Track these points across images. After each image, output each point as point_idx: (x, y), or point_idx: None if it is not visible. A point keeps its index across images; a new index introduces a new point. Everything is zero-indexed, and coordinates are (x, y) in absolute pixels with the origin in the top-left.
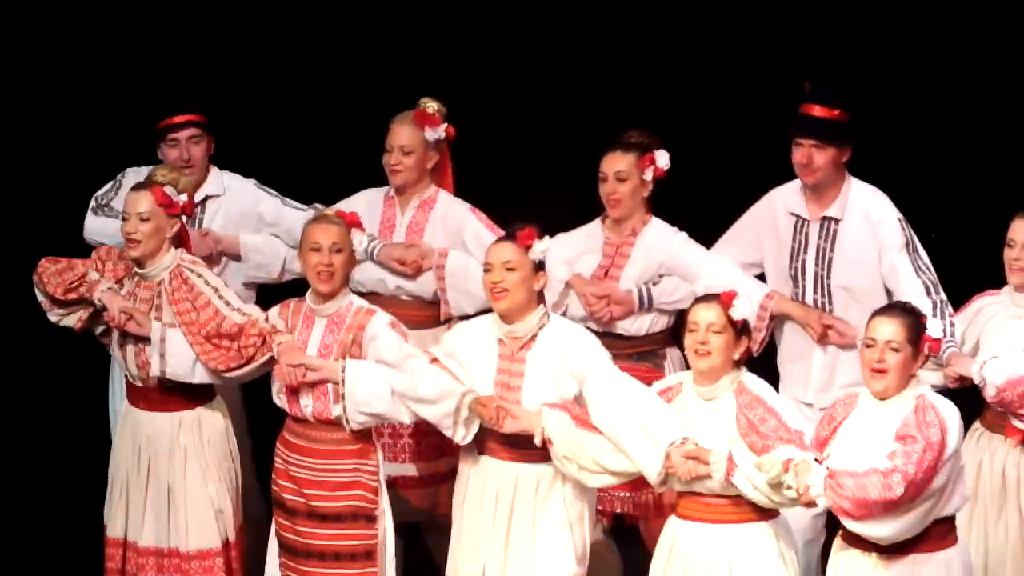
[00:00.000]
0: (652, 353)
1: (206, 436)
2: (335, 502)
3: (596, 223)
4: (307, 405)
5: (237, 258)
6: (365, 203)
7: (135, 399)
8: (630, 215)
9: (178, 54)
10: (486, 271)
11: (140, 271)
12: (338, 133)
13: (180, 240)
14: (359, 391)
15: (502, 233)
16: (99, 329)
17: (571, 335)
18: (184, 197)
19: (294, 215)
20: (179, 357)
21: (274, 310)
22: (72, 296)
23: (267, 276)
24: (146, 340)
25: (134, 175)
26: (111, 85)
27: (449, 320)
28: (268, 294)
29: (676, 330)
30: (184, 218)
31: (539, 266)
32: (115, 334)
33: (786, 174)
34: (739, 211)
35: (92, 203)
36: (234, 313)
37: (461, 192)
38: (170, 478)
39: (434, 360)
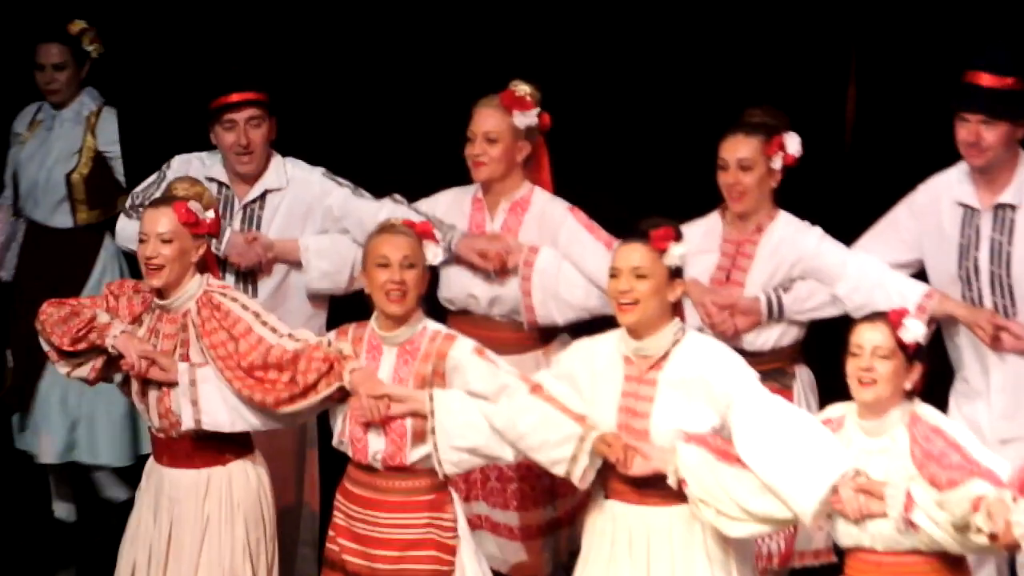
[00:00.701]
0: (779, 371)
1: (236, 499)
2: (405, 563)
3: (714, 217)
4: (377, 448)
5: (297, 265)
6: (448, 204)
7: (159, 453)
8: (756, 209)
9: (235, 21)
10: (612, 277)
11: (161, 303)
12: (415, 120)
13: (206, 265)
14: (452, 423)
15: (606, 237)
16: (117, 378)
17: (711, 353)
18: (211, 214)
19: (367, 207)
20: (215, 401)
21: (329, 338)
22: (81, 346)
23: (333, 287)
24: (174, 385)
25: (182, 166)
26: (154, 57)
27: (548, 338)
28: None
29: (807, 344)
30: (210, 239)
31: (675, 273)
32: (134, 383)
33: (949, 156)
34: (878, 204)
35: (128, 202)
36: (284, 340)
37: (562, 192)
38: (191, 549)
39: (535, 388)
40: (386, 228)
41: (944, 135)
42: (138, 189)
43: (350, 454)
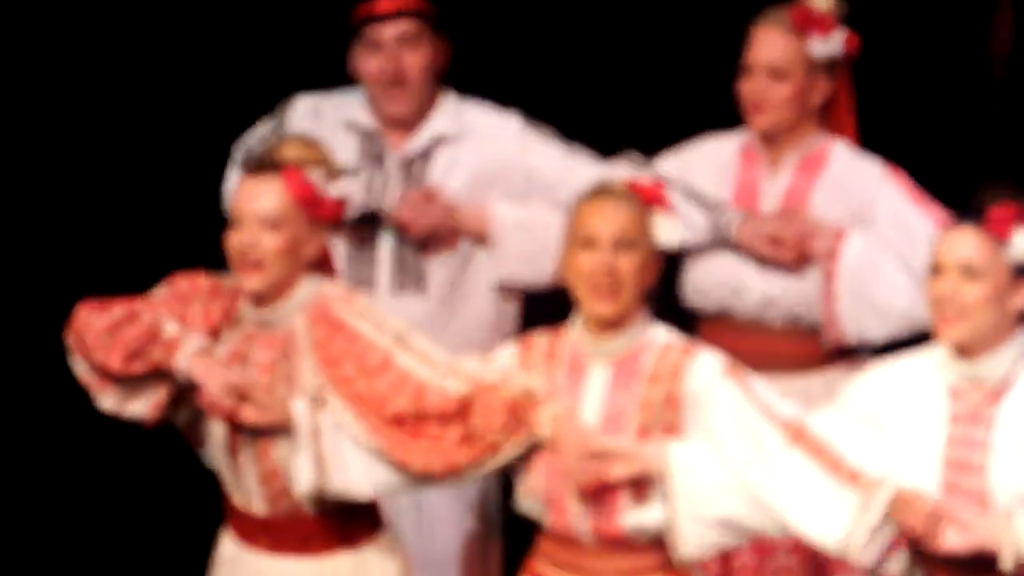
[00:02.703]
0: None
1: None
2: None
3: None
4: (582, 515)
5: (483, 242)
6: (707, 158)
7: (247, 532)
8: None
9: None
10: (934, 274)
11: (257, 314)
12: (639, 39)
13: (322, 262)
14: (698, 484)
15: (940, 214)
16: (184, 417)
17: None
18: (338, 189)
19: (589, 171)
20: (348, 457)
21: (506, 355)
22: (139, 366)
23: (533, 276)
24: (275, 433)
25: (307, 108)
26: None
27: (848, 354)
28: None
29: None
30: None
31: (1022, 270)
32: (215, 428)
33: None
34: None
35: (238, 154)
36: (442, 377)
37: (870, 143)
38: None
39: (797, 436)
40: (596, 193)
41: None
42: (248, 140)
43: (543, 521)
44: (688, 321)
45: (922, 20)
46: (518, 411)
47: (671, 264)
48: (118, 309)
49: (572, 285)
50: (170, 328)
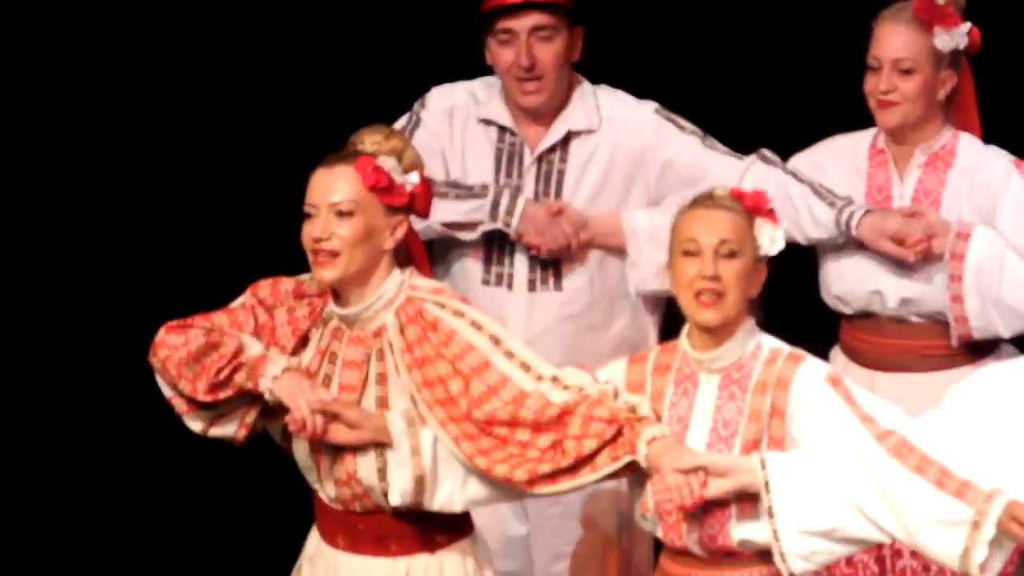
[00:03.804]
0: None
1: None
2: None
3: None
4: (693, 528)
5: (618, 253)
6: (838, 158)
7: (331, 530)
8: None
9: None
10: None
11: (341, 311)
12: (782, 43)
13: (410, 256)
14: (797, 498)
15: None
16: (279, 427)
17: None
18: (415, 177)
19: (727, 166)
20: (443, 473)
21: (616, 369)
22: (225, 394)
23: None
24: (366, 449)
25: (442, 101)
26: None
27: (987, 349)
28: None
29: None
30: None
31: None
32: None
33: None
34: None
35: None
36: (544, 385)
37: (992, 137)
38: None
39: (900, 445)
40: (700, 201)
41: None
42: None
43: (658, 534)
44: (831, 320)
45: None
46: (620, 427)
47: (810, 263)
48: (199, 333)
49: (676, 294)
50: (254, 349)
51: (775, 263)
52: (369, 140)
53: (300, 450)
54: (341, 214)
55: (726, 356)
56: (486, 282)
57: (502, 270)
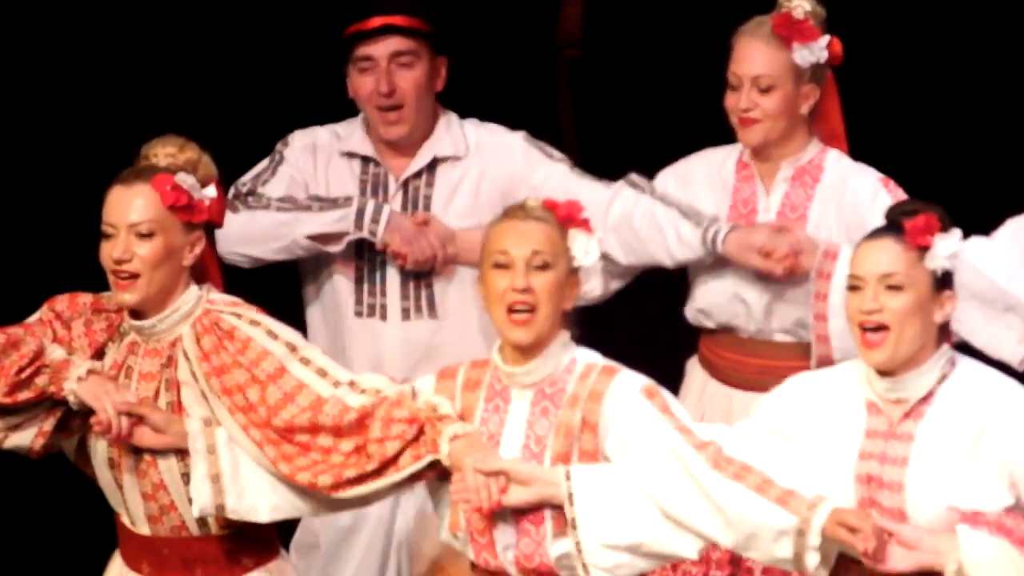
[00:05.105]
0: None
1: None
2: None
3: None
4: (508, 546)
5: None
6: (704, 175)
7: (133, 554)
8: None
9: None
10: (851, 289)
11: (138, 325)
12: (633, 55)
13: (204, 270)
14: (601, 510)
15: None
16: (74, 443)
17: (997, 393)
18: (211, 191)
19: (594, 193)
20: (250, 476)
21: (426, 381)
22: (25, 396)
23: None
24: (167, 454)
25: (304, 141)
26: None
27: None
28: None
29: None
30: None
31: (942, 282)
32: (102, 450)
33: None
34: None
35: (232, 192)
36: (343, 390)
37: (859, 146)
38: None
39: (718, 456)
40: (511, 212)
41: None
42: (246, 177)
43: (468, 554)
44: (689, 337)
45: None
46: (420, 427)
47: (675, 282)
48: (2, 334)
49: (487, 309)
50: (56, 353)
51: (636, 283)
52: (163, 152)
53: (101, 466)
54: (141, 235)
55: (538, 370)
56: (359, 313)
57: (374, 301)
